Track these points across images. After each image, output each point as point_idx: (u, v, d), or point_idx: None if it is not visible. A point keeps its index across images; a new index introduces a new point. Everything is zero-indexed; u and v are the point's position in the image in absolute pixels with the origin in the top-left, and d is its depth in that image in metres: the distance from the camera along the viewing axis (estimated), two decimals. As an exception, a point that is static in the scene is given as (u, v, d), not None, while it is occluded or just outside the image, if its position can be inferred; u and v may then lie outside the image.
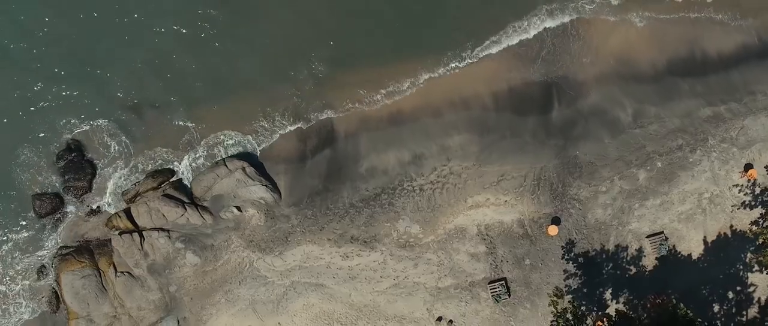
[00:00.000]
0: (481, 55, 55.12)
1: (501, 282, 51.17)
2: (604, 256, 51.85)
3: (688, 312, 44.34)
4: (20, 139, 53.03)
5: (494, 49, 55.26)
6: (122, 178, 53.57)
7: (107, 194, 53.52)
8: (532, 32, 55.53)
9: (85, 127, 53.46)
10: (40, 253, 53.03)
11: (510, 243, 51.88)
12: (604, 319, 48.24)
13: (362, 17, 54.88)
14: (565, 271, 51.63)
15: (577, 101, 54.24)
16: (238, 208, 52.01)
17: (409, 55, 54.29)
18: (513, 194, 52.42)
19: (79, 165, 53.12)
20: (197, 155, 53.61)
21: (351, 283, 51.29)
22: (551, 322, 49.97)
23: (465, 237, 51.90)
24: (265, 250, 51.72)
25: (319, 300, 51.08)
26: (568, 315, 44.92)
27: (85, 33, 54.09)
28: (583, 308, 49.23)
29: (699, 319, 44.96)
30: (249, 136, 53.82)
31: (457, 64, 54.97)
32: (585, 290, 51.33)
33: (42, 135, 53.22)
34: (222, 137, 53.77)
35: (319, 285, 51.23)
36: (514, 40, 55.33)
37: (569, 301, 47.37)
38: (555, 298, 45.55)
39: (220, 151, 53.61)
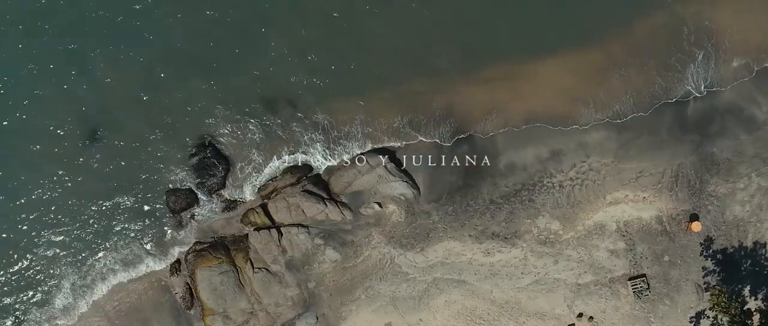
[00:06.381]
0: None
1: (642, 279, 51.20)
2: (742, 253, 51.91)
3: None
4: (156, 134, 52.65)
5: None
6: (258, 174, 53.20)
7: (243, 190, 53.13)
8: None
9: (220, 123, 53.06)
10: (174, 249, 52.74)
11: (649, 239, 51.88)
12: (757, 314, 48.36)
13: (502, 11, 54.70)
14: (703, 268, 51.67)
15: (712, 98, 54.17)
16: (379, 204, 51.78)
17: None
18: (651, 191, 52.38)
19: (213, 161, 52.72)
20: (335, 151, 53.22)
21: (492, 280, 51.20)
22: (691, 317, 50.25)
23: (604, 233, 51.86)
24: (406, 246, 51.52)
25: (461, 296, 50.98)
26: (733, 311, 44.96)
27: (218, 31, 53.64)
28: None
29: None
30: (387, 133, 53.38)
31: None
32: (724, 286, 51.30)
33: (177, 131, 52.88)
34: (360, 133, 53.35)
35: (461, 281, 51.12)
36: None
37: (728, 297, 47.40)
38: (718, 292, 45.53)
39: (358, 147, 53.20)
